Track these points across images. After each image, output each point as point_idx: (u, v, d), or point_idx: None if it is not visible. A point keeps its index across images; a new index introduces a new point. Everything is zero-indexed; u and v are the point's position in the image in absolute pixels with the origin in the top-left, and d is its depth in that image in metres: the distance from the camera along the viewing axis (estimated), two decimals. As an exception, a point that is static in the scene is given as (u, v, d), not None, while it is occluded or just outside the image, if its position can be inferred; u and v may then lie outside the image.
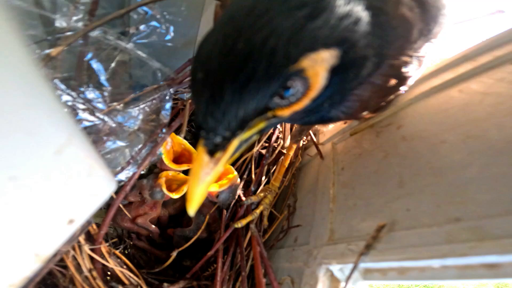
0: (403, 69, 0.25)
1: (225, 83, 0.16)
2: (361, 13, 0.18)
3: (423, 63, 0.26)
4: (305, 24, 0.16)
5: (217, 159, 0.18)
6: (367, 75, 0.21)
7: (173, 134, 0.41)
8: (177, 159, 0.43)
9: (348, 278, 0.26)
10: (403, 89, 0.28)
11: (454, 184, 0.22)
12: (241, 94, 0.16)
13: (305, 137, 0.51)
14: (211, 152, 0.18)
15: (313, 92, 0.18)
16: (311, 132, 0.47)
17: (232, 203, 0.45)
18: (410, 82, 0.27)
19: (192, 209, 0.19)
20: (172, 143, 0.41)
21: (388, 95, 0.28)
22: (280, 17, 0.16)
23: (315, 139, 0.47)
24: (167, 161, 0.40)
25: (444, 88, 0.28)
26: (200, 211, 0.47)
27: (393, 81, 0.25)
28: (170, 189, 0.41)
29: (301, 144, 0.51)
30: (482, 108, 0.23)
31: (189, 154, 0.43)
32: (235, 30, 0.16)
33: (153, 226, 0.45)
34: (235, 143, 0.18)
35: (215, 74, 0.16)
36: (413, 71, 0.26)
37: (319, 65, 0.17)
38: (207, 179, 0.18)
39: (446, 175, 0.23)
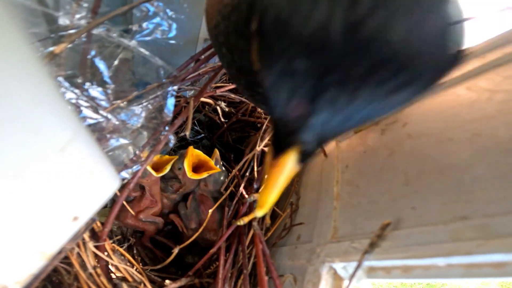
0: None
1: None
2: None
3: None
4: None
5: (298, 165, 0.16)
6: None
7: (191, 147, 0.45)
8: (193, 169, 0.46)
9: (351, 276, 0.25)
10: None
11: (460, 182, 0.22)
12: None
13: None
14: (306, 158, 0.15)
15: None
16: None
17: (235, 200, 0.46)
18: None
19: (262, 213, 0.18)
20: (192, 156, 0.46)
21: None
22: None
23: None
24: (189, 172, 0.43)
25: (451, 85, 0.28)
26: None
27: None
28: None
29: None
30: (490, 105, 0.23)
31: (205, 162, 0.46)
32: None
33: (157, 218, 0.46)
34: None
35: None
36: None
37: None
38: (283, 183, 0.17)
39: (452, 173, 0.23)
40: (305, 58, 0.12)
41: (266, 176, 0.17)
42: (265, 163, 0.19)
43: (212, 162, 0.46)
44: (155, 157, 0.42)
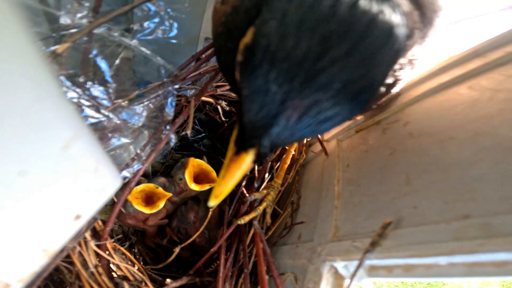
0: (396, 74, 0.25)
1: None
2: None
3: (415, 65, 0.26)
4: None
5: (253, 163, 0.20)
6: None
7: (192, 158, 0.45)
8: (195, 179, 0.46)
9: (353, 275, 0.25)
10: (393, 91, 0.29)
11: (463, 181, 0.22)
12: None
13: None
14: (260, 158, 0.19)
15: None
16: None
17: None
18: (400, 84, 0.28)
19: (215, 203, 0.21)
20: (193, 166, 0.45)
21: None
22: None
23: (319, 136, 0.46)
24: (190, 183, 0.43)
25: (453, 84, 0.28)
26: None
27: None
28: (151, 201, 0.42)
29: (304, 141, 0.51)
30: (493, 104, 0.23)
31: (208, 172, 0.46)
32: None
33: (163, 220, 0.46)
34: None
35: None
36: (405, 74, 0.26)
37: None
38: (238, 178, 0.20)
39: (454, 172, 0.23)
40: (277, 85, 0.16)
41: (224, 170, 0.20)
42: (225, 158, 0.21)
43: (214, 174, 0.45)
44: (143, 186, 0.40)
